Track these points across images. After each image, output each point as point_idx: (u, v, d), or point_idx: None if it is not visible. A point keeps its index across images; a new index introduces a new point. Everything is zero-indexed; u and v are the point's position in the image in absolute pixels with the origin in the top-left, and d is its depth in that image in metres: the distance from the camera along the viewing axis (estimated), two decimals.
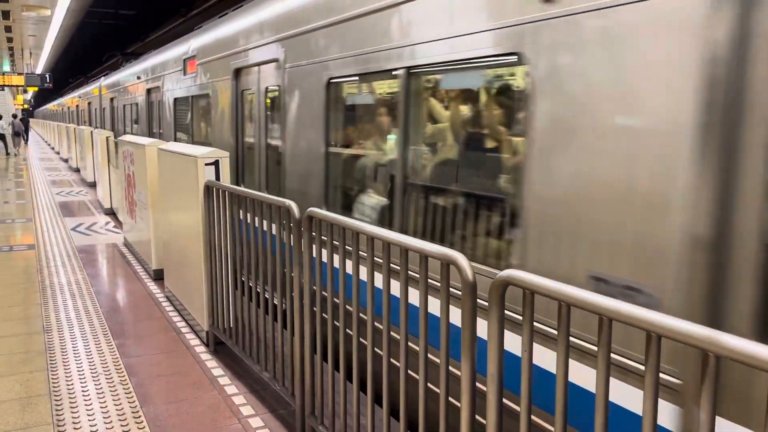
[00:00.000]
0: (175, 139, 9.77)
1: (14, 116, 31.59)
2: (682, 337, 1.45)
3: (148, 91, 11.94)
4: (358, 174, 4.66)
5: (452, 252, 2.26)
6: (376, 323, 3.17)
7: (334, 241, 3.19)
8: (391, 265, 2.73)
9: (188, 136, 9.17)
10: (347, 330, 4.30)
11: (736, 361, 1.35)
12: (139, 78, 12.80)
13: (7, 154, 27.70)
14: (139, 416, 3.85)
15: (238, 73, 6.71)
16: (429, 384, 3.41)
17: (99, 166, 12.99)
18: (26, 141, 34.05)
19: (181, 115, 9.65)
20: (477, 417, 3.08)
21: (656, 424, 1.57)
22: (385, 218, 4.15)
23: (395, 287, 2.76)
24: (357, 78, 4.51)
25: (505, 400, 2.86)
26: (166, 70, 10.30)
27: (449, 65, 3.52)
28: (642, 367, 2.23)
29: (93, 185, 15.20)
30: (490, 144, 3.40)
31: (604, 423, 1.71)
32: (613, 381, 2.36)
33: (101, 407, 3.95)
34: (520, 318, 1.99)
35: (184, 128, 9.43)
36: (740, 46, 1.98)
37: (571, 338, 2.54)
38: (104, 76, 20.52)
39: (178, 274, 5.81)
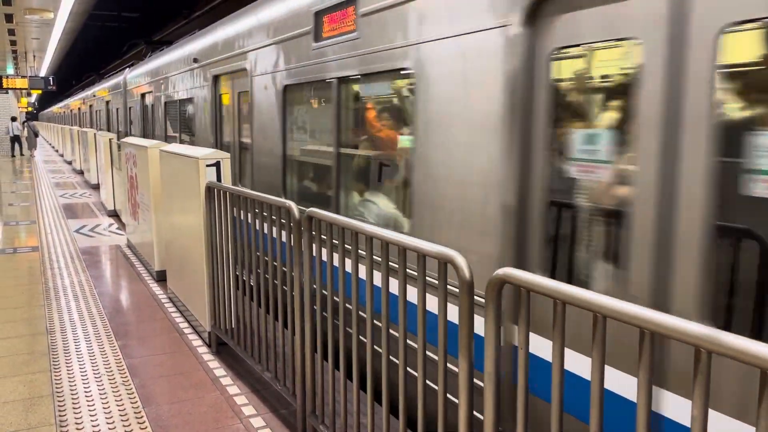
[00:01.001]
0: (285, 166, 5.65)
1: (28, 119, 32.37)
2: (675, 333, 1.46)
3: (216, 78, 7.66)
4: None
5: (449, 251, 2.27)
6: (375, 321, 3.18)
7: (334, 241, 3.20)
8: (390, 263, 2.74)
9: (330, 158, 4.83)
10: (347, 328, 4.31)
11: (728, 357, 1.36)
12: (196, 61, 8.41)
13: (21, 154, 28.16)
14: (142, 417, 3.87)
15: (537, 8, 2.87)
16: (428, 381, 3.43)
17: (102, 168, 13.04)
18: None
19: (303, 117, 5.55)
20: (476, 414, 3.09)
21: (650, 420, 1.58)
22: None
23: (394, 286, 2.78)
24: None
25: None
26: (260, 40, 6.08)
27: None
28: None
29: (96, 187, 15.26)
30: None
31: (598, 417, 1.72)
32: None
33: (104, 408, 3.97)
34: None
35: (315, 139, 5.32)
36: None
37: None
38: (129, 67, 16.05)
39: (180, 275, 5.83)
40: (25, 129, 28.53)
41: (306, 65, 5.13)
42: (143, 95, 12.88)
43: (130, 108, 14.77)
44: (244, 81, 6.65)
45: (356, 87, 4.66)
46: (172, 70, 10.04)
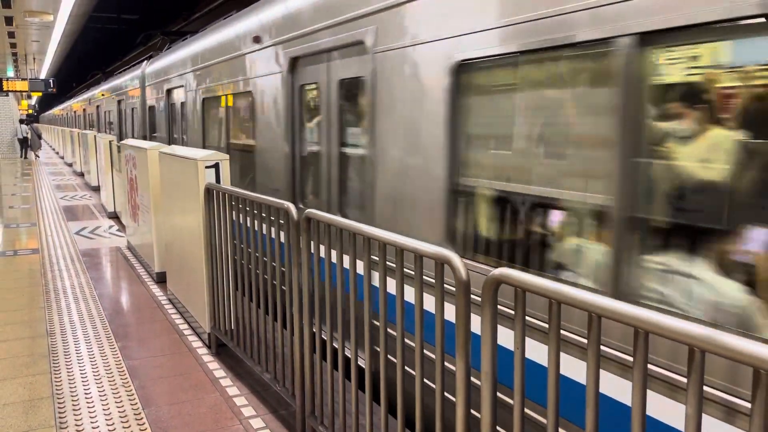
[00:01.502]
0: (454, 198, 3.49)
1: (30, 121, 33.91)
2: (669, 333, 1.46)
3: (295, 61, 5.45)
4: None
5: (446, 251, 2.28)
6: (373, 321, 3.19)
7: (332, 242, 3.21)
8: (387, 264, 2.75)
9: (594, 189, 2.70)
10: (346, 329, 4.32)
11: (722, 356, 1.36)
12: (258, 41, 6.14)
13: (25, 157, 28.87)
14: (141, 418, 3.87)
15: None
16: (426, 381, 3.43)
17: (102, 170, 13.05)
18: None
19: (503, 114, 3.24)
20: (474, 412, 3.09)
21: (645, 419, 1.58)
22: None
23: (392, 286, 2.78)
24: None
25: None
26: None
27: None
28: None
29: (96, 189, 15.27)
30: None
31: (594, 418, 1.72)
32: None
33: (104, 409, 3.98)
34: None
35: (539, 154, 3.03)
36: None
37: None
38: (148, 59, 13.19)
39: (180, 276, 5.84)
40: (29, 131, 29.40)
41: (523, 20, 2.90)
42: (169, 92, 10.50)
43: (150, 108, 12.08)
44: (356, 61, 4.47)
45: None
46: (215, 57, 7.65)
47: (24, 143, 29.01)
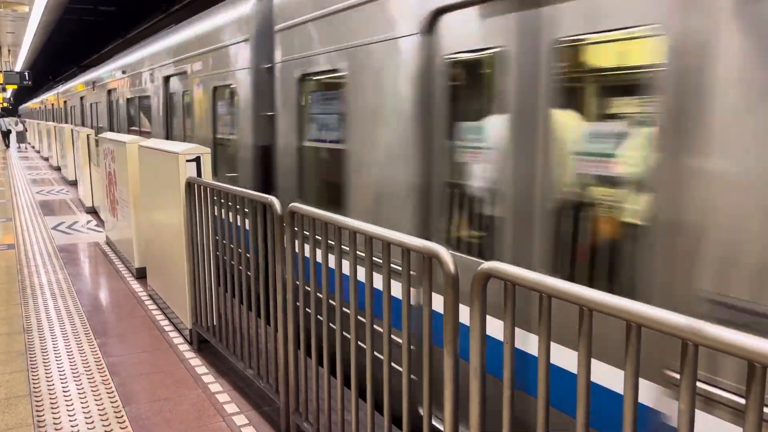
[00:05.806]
0: None
1: (19, 115, 35.38)
2: (662, 326, 1.45)
3: None
4: None
5: (434, 245, 2.25)
6: (359, 317, 3.16)
7: (317, 236, 3.17)
8: (374, 258, 2.72)
9: None
10: (331, 325, 4.29)
11: (714, 349, 1.35)
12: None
13: (8, 146, 29.12)
14: (122, 416, 3.81)
15: None
16: (413, 376, 3.41)
17: (80, 165, 12.83)
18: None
19: None
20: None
21: (637, 415, 1.57)
22: None
23: (378, 281, 2.76)
24: None
25: None
26: None
27: None
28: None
29: (74, 183, 15.03)
30: None
31: (585, 412, 1.71)
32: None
33: (83, 407, 3.90)
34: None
35: None
36: None
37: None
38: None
39: (160, 272, 5.76)
40: (20, 124, 29.96)
41: None
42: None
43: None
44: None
45: None
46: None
47: (6, 135, 29.16)
